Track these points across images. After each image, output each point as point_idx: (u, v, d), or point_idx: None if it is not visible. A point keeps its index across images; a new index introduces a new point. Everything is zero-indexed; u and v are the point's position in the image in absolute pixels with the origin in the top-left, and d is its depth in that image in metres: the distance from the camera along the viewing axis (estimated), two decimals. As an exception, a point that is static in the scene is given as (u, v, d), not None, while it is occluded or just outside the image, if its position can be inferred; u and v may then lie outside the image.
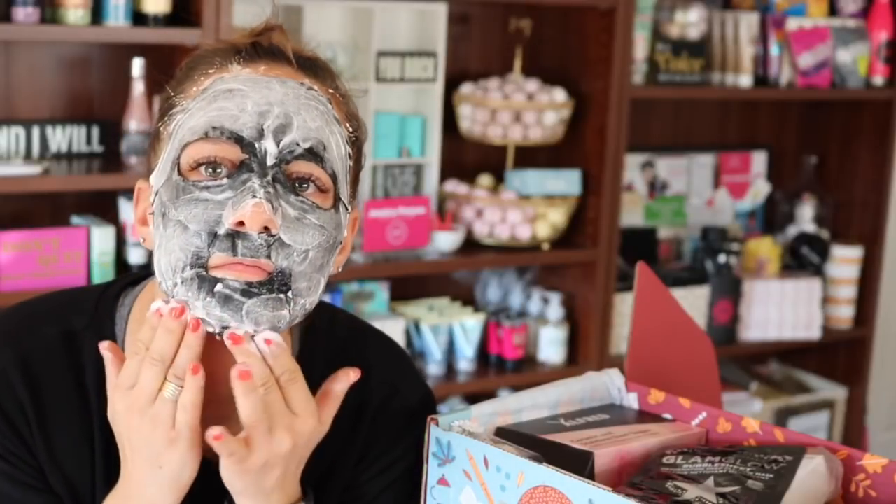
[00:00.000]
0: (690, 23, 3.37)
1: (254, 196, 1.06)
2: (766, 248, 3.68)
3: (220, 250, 1.07)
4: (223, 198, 1.08)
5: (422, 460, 1.30)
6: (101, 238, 2.61)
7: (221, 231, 1.07)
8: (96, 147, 2.76)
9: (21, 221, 2.68)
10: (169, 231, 1.10)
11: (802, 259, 3.72)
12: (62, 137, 2.72)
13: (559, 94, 3.14)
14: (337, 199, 1.13)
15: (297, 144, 1.10)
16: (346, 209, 1.16)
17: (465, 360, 3.14)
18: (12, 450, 1.19)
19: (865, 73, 3.64)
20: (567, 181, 3.17)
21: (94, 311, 1.24)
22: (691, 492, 0.94)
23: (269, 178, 1.08)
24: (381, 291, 3.09)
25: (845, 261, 3.73)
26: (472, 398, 3.15)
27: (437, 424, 1.01)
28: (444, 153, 3.14)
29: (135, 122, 2.62)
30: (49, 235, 2.58)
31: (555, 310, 3.22)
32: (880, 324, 3.86)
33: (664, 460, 1.01)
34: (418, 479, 1.29)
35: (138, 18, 2.57)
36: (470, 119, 3.14)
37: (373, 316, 3.04)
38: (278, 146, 1.09)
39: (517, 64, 3.20)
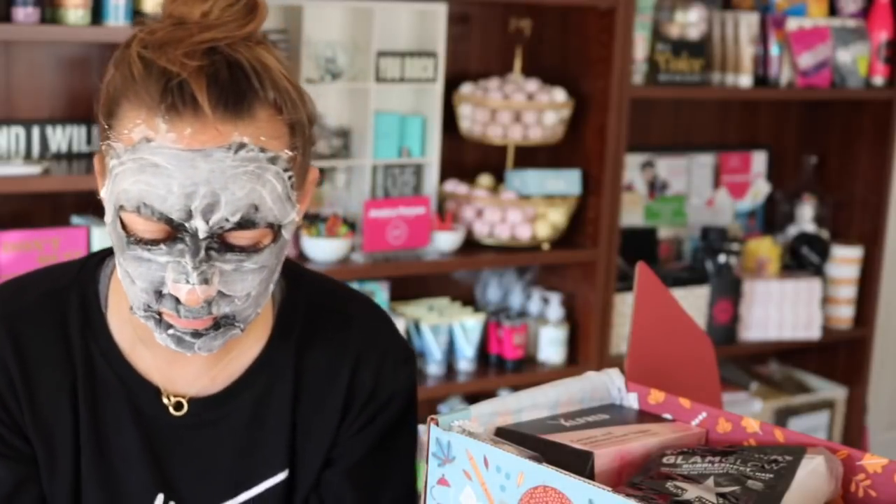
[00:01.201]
0: (690, 23, 3.37)
1: (187, 281, 1.13)
2: (766, 248, 3.68)
3: (166, 307, 1.16)
4: (163, 261, 1.14)
5: (414, 416, 1.36)
6: (101, 238, 2.61)
7: (165, 290, 1.15)
8: (96, 147, 2.76)
9: (21, 221, 2.68)
10: (121, 273, 1.19)
11: (802, 259, 3.72)
12: (62, 137, 2.72)
13: (559, 94, 3.14)
14: (277, 231, 1.17)
15: (227, 220, 1.13)
16: (293, 220, 1.19)
17: (465, 360, 3.14)
18: None
19: (865, 73, 3.64)
20: (567, 181, 3.17)
21: (78, 271, 1.32)
22: (691, 492, 0.94)
23: (202, 253, 1.13)
24: (381, 291, 3.09)
25: (845, 261, 3.73)
26: (472, 398, 3.15)
27: (437, 424, 1.01)
28: (444, 153, 3.14)
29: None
30: (49, 235, 2.58)
31: (555, 310, 3.22)
32: (880, 324, 3.87)
33: (664, 460, 1.01)
34: (409, 436, 1.35)
35: (138, 18, 2.57)
36: (470, 119, 3.14)
37: (373, 316, 3.04)
38: (208, 224, 1.12)
39: (517, 64, 3.20)
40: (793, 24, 3.53)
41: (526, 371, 3.19)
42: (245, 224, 1.13)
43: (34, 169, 2.55)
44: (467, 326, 3.12)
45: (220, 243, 1.14)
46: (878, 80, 3.66)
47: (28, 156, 2.68)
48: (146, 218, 1.13)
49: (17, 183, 2.52)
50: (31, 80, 2.71)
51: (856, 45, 3.61)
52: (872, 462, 1.00)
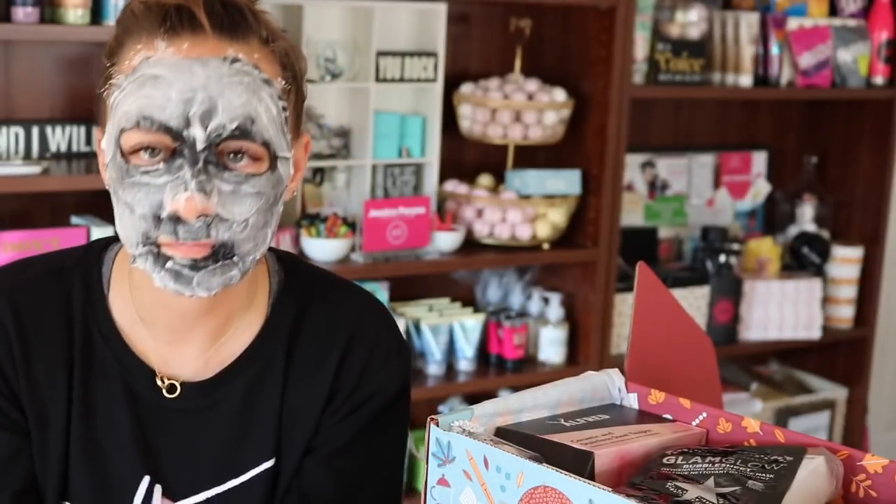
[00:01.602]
0: (691, 22, 3.37)
1: (185, 189, 1.14)
2: (766, 248, 3.68)
3: (165, 233, 1.16)
4: (162, 182, 1.16)
5: (404, 412, 1.36)
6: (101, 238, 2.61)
7: (164, 214, 1.16)
8: (96, 147, 2.75)
9: (21, 221, 2.67)
10: (119, 209, 1.20)
11: (803, 259, 3.72)
12: (62, 137, 2.72)
13: (559, 94, 3.14)
14: (273, 159, 1.19)
15: (224, 127, 1.15)
16: (287, 158, 1.22)
17: (465, 361, 3.14)
18: None
19: (866, 73, 3.64)
20: (567, 181, 3.16)
21: (83, 253, 1.34)
22: (691, 492, 0.94)
23: (201, 163, 1.15)
24: (381, 291, 3.08)
25: (846, 261, 3.73)
26: (472, 398, 3.15)
27: (438, 425, 1.01)
28: (444, 153, 3.14)
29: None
30: (49, 235, 2.58)
31: (555, 310, 3.22)
32: (881, 324, 3.86)
33: (664, 460, 1.01)
34: (397, 431, 1.35)
35: None
36: (470, 119, 3.14)
37: (373, 316, 3.04)
38: (206, 131, 1.15)
39: (517, 64, 3.20)
40: (793, 23, 3.53)
41: (526, 371, 3.19)
42: (242, 133, 1.15)
43: (34, 169, 2.55)
44: (467, 326, 3.12)
45: (217, 160, 1.16)
46: (879, 79, 3.66)
47: (27, 156, 2.68)
48: (146, 131, 1.15)
49: (17, 183, 2.52)
50: (30, 80, 2.71)
51: (856, 44, 3.61)
52: (873, 462, 1.00)
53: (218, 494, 1.29)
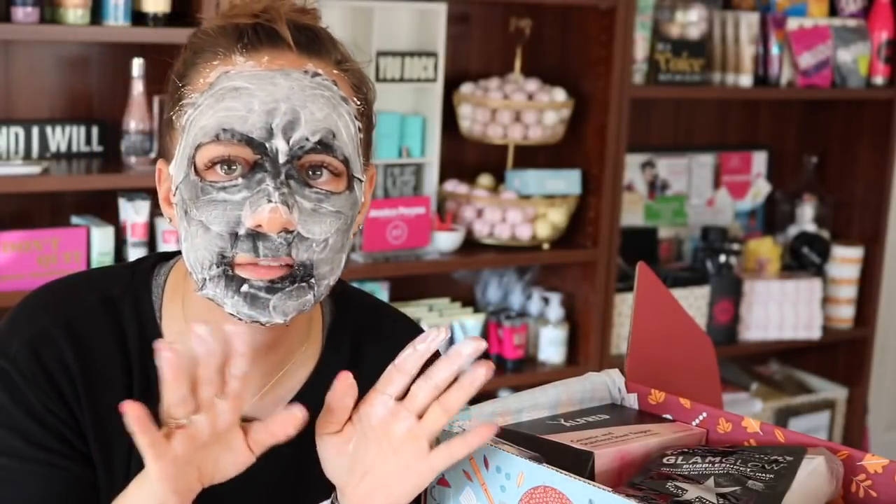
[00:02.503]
0: (691, 22, 3.37)
1: (269, 200, 1.10)
2: (766, 248, 3.68)
3: (243, 251, 1.12)
4: (240, 198, 1.11)
5: None
6: (101, 238, 2.61)
7: (242, 231, 1.11)
8: (96, 147, 2.76)
9: (21, 221, 2.67)
10: (193, 229, 1.14)
11: (803, 259, 3.71)
12: (62, 137, 2.72)
13: (559, 94, 3.14)
14: (350, 178, 1.16)
15: (307, 139, 1.12)
16: (361, 180, 1.19)
17: (466, 361, 3.13)
18: (52, 409, 1.20)
19: (866, 73, 3.64)
20: (567, 181, 3.16)
21: (131, 280, 1.27)
22: (691, 492, 0.94)
23: (283, 176, 1.11)
24: (381, 291, 3.08)
25: (846, 261, 3.73)
26: (472, 398, 3.14)
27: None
28: (444, 153, 3.13)
29: (134, 122, 2.62)
30: (49, 235, 2.58)
31: (555, 310, 3.21)
32: (881, 324, 3.86)
33: (664, 461, 1.01)
34: None
35: (138, 18, 2.57)
36: (470, 119, 3.14)
37: (373, 316, 3.04)
38: (288, 143, 1.11)
39: (517, 64, 3.20)
40: (793, 23, 3.53)
41: (526, 371, 3.18)
42: (324, 147, 1.13)
43: (34, 169, 2.55)
44: (467, 326, 3.12)
45: (298, 175, 1.12)
46: (879, 79, 3.65)
47: (27, 156, 2.68)
48: (226, 143, 1.11)
49: (17, 183, 2.52)
50: (30, 80, 2.71)
51: (856, 44, 3.61)
52: (873, 462, 1.00)
53: None
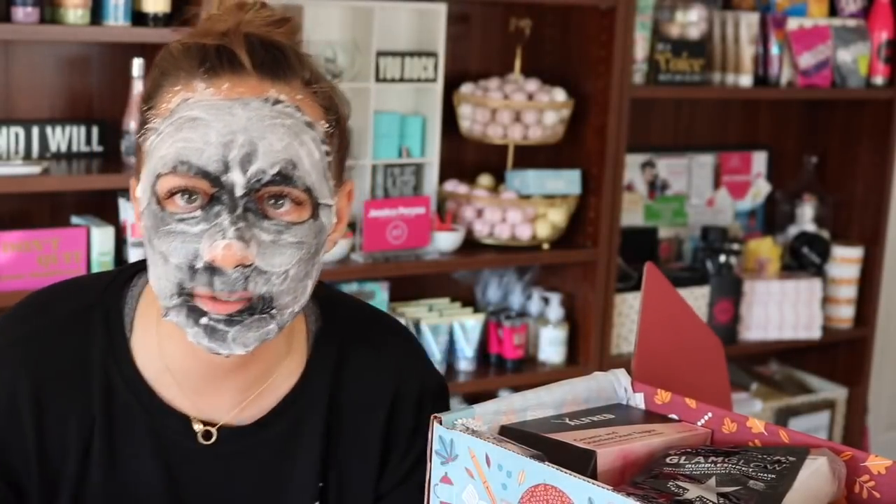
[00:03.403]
0: (691, 22, 3.37)
1: (224, 236, 1.09)
2: (766, 248, 3.68)
3: (200, 284, 1.11)
4: (198, 230, 1.10)
5: None
6: (101, 238, 2.61)
7: (199, 265, 1.10)
8: (96, 147, 2.76)
9: (21, 221, 2.67)
10: (155, 258, 1.14)
11: (803, 259, 3.71)
12: (62, 137, 2.72)
13: (559, 94, 3.13)
14: (316, 206, 1.14)
15: (265, 172, 1.10)
16: (329, 205, 1.17)
17: (465, 361, 3.13)
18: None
19: (866, 73, 3.64)
20: (567, 181, 3.16)
21: (105, 289, 1.27)
22: (693, 491, 0.94)
23: (240, 210, 1.10)
24: (381, 291, 3.08)
25: (846, 261, 3.73)
26: (472, 398, 3.15)
27: (441, 423, 1.01)
28: (444, 153, 3.13)
29: (135, 122, 2.61)
30: (49, 235, 2.58)
31: (555, 310, 3.21)
32: (881, 324, 3.86)
33: (667, 460, 1.01)
34: None
35: (138, 18, 2.57)
36: (470, 119, 3.14)
37: (373, 316, 3.04)
38: (245, 176, 1.10)
39: (517, 64, 3.19)
40: (793, 23, 3.53)
41: (526, 371, 3.18)
42: (283, 179, 1.10)
43: (34, 169, 2.55)
44: (467, 326, 3.12)
45: (257, 207, 1.11)
46: (879, 79, 3.65)
47: (27, 156, 2.67)
48: (182, 175, 1.10)
49: (17, 183, 2.52)
50: (30, 80, 2.71)
51: (856, 44, 3.61)
52: (876, 463, 1.00)
53: None
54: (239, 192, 1.10)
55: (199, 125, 1.10)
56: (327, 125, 1.16)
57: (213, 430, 1.24)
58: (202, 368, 1.22)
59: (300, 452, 1.26)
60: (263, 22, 1.17)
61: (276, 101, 1.12)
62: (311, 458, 1.26)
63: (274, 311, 1.14)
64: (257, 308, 1.12)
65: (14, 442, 1.20)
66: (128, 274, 1.29)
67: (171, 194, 1.12)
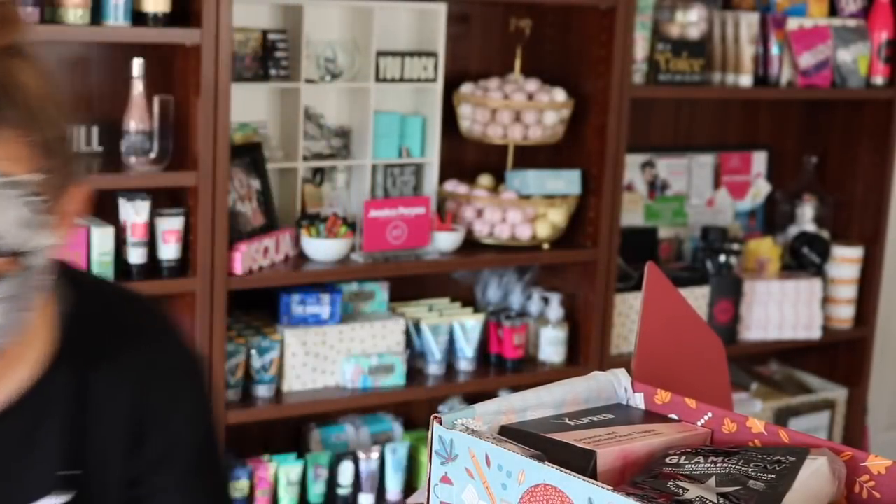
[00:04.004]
0: (691, 22, 3.36)
1: None
2: (766, 248, 3.68)
3: None
4: None
5: (216, 444, 1.32)
6: (101, 238, 2.60)
7: None
8: (96, 147, 2.76)
9: (20, 221, 2.67)
10: None
11: (803, 259, 3.71)
12: (62, 137, 2.71)
13: (559, 94, 3.13)
14: (21, 256, 1.09)
15: None
16: (45, 245, 1.12)
17: (465, 361, 3.13)
18: None
19: (866, 73, 3.64)
20: (567, 181, 3.16)
21: None
22: (692, 491, 0.94)
23: None
24: (381, 291, 3.08)
25: (846, 261, 3.73)
26: (472, 398, 3.15)
27: (441, 423, 1.01)
28: (444, 153, 3.13)
29: (134, 122, 2.61)
30: (48, 235, 2.57)
31: (555, 310, 3.21)
32: (881, 324, 3.86)
33: (667, 460, 1.00)
34: (218, 468, 1.31)
35: (138, 18, 2.57)
36: (470, 119, 3.14)
37: (372, 316, 3.04)
38: None
39: (517, 64, 3.19)
40: (793, 23, 3.53)
41: (526, 371, 3.18)
42: None
43: (34, 169, 2.54)
44: (467, 326, 3.12)
45: None
46: (879, 79, 3.65)
47: (27, 155, 2.67)
48: None
49: (17, 183, 2.51)
50: (30, 80, 2.70)
51: (856, 44, 3.61)
52: (877, 463, 1.00)
53: None
54: None
55: None
56: (42, 172, 1.08)
57: None
58: None
59: (41, 442, 1.22)
60: None
61: None
62: (52, 449, 1.23)
63: None
64: None
65: None
66: None
67: None
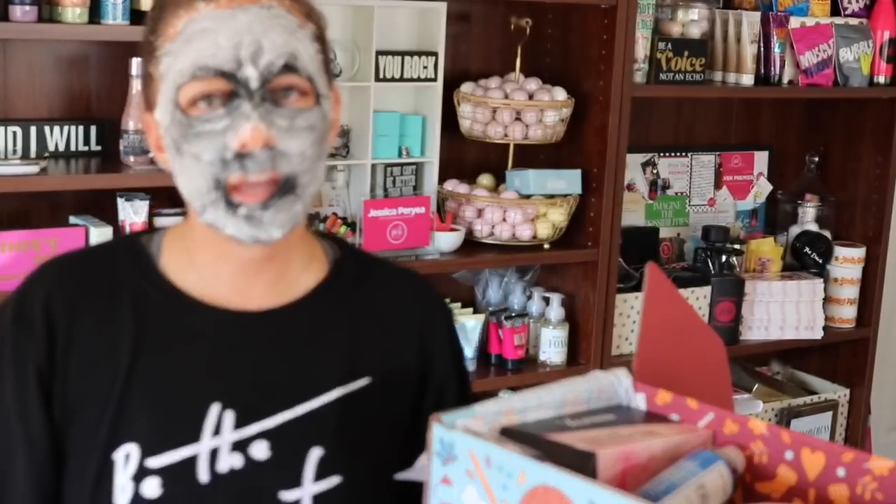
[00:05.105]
0: (692, 21, 3.36)
1: (248, 120, 1.23)
2: (768, 248, 3.67)
3: (233, 171, 1.25)
4: (223, 126, 1.24)
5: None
6: (100, 238, 2.59)
7: (229, 156, 1.24)
8: (94, 146, 2.75)
9: (19, 221, 2.66)
10: (186, 162, 1.27)
11: (804, 259, 3.71)
12: (60, 137, 2.71)
13: (560, 94, 3.13)
14: (317, 95, 1.29)
15: (273, 63, 1.25)
16: (328, 96, 1.32)
17: (466, 361, 3.12)
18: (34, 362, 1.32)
19: (868, 72, 3.63)
20: (568, 181, 3.15)
21: (124, 237, 1.45)
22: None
23: (258, 99, 1.24)
24: (381, 291, 3.07)
25: (847, 261, 3.72)
26: (473, 399, 3.13)
27: (441, 423, 1.00)
28: (444, 153, 3.13)
29: (133, 122, 2.61)
30: (47, 235, 2.57)
31: (555, 310, 3.20)
32: (883, 324, 3.85)
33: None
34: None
35: (136, 16, 2.56)
36: (470, 118, 3.13)
37: (373, 316, 3.04)
38: (258, 69, 1.24)
39: (517, 63, 3.19)
40: (795, 22, 3.52)
41: (526, 371, 3.18)
42: (289, 69, 1.25)
43: (32, 168, 2.54)
44: (467, 327, 3.11)
45: (271, 98, 1.25)
46: (881, 78, 3.65)
47: (25, 155, 2.66)
48: (201, 80, 1.24)
49: (15, 182, 2.51)
50: (28, 79, 2.70)
51: (858, 43, 3.60)
52: (879, 464, 0.99)
53: (289, 421, 1.33)
54: (254, 84, 1.24)
55: (208, 34, 1.24)
56: (314, 27, 1.32)
57: (243, 315, 1.35)
58: (233, 268, 1.34)
59: (326, 340, 1.38)
60: None
61: (270, 6, 1.27)
62: (336, 346, 1.38)
63: (298, 191, 1.27)
64: (284, 189, 1.26)
65: (49, 352, 1.31)
66: (144, 232, 1.44)
67: (194, 102, 1.25)
